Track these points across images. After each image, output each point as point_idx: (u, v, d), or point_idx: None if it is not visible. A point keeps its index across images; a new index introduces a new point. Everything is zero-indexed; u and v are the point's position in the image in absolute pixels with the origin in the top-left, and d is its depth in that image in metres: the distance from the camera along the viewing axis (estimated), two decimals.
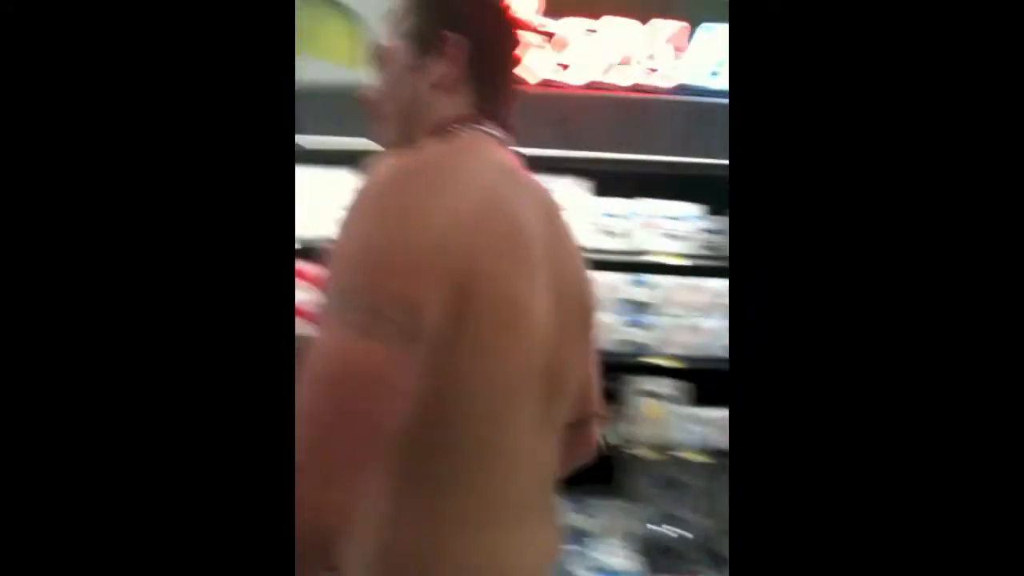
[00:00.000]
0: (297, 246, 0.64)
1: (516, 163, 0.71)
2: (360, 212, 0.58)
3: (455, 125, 0.70)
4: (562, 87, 2.24)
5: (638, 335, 2.17)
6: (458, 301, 0.56)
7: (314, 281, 1.55)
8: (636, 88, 2.26)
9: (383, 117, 0.75)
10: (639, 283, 2.20)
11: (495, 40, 0.72)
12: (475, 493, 0.61)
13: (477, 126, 0.70)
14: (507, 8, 0.74)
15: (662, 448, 2.16)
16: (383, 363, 0.53)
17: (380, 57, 0.76)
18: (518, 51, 0.74)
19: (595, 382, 0.84)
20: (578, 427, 0.81)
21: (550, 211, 0.72)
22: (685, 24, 2.24)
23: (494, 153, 0.69)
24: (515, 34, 0.74)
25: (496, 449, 0.62)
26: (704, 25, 2.24)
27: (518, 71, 0.75)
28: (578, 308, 0.72)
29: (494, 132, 0.71)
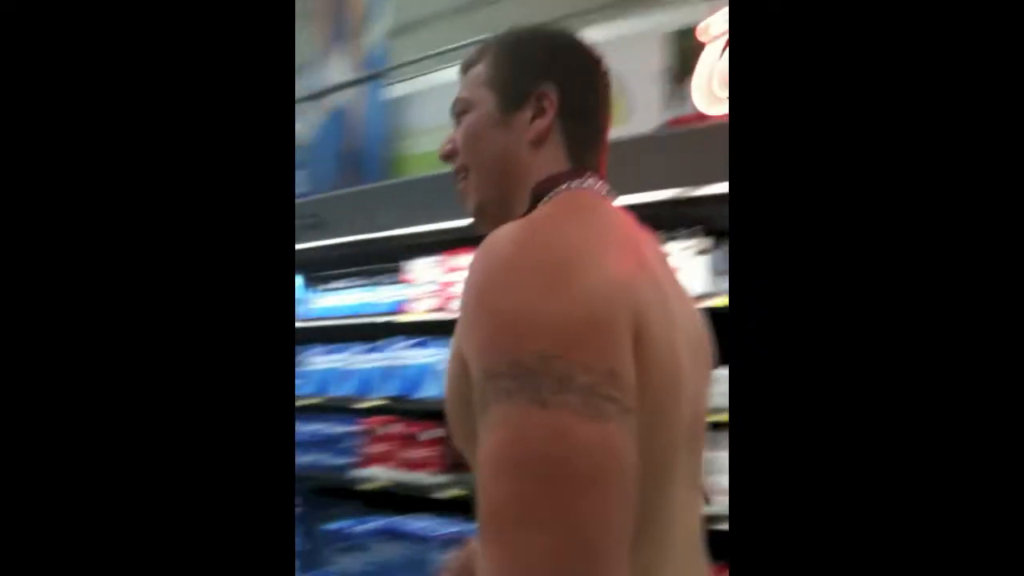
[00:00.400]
0: None
1: (625, 215, 0.67)
2: (523, 273, 0.52)
3: (559, 183, 0.67)
4: None
5: None
6: (637, 368, 0.51)
7: None
8: None
9: (465, 173, 0.72)
10: None
11: (585, 91, 0.71)
12: (643, 565, 0.55)
13: (580, 182, 0.67)
14: (595, 58, 0.73)
15: None
16: (611, 444, 0.47)
17: (461, 110, 0.73)
18: (607, 100, 0.73)
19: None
20: None
21: (665, 261, 0.69)
22: None
23: (606, 208, 0.65)
24: (603, 83, 0.73)
25: (660, 518, 0.57)
26: None
27: (608, 120, 0.73)
28: (704, 358, 0.69)
29: (596, 187, 0.68)
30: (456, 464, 2.39)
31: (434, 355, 2.50)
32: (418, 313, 2.54)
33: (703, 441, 0.68)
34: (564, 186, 0.66)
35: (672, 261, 0.74)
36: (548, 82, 0.69)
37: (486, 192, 0.71)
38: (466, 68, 0.75)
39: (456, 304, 0.91)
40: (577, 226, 0.57)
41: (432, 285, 2.54)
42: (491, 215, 0.71)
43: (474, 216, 0.73)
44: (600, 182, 0.69)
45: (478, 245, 0.57)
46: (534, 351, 0.48)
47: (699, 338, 0.69)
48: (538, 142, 0.68)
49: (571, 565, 0.45)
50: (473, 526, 0.50)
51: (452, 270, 2.50)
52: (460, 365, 0.55)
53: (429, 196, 2.40)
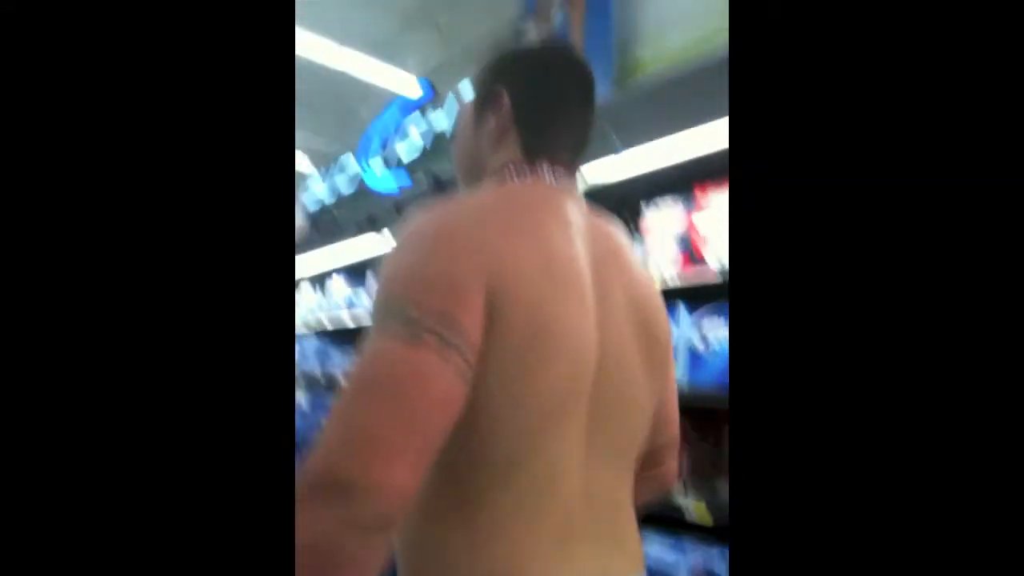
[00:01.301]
0: None
1: (565, 201, 0.76)
2: (408, 241, 0.65)
3: (505, 170, 0.77)
4: None
5: None
6: (488, 321, 0.60)
7: None
8: None
9: (456, 164, 0.86)
10: None
11: (539, 90, 0.79)
12: (505, 507, 0.63)
13: (527, 169, 0.76)
14: (561, 60, 0.80)
15: None
16: (426, 369, 0.56)
17: (459, 113, 0.87)
18: (576, 95, 0.80)
19: (671, 413, 0.86)
20: (652, 456, 0.84)
21: (609, 245, 0.76)
22: None
23: (538, 192, 0.74)
24: (568, 81, 0.80)
25: (530, 467, 0.64)
26: None
27: (583, 114, 0.80)
28: (646, 340, 0.75)
29: (545, 174, 0.77)
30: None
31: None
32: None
33: (631, 425, 0.74)
34: (507, 173, 0.77)
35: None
36: (501, 84, 0.79)
37: (465, 182, 0.85)
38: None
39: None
40: (468, 210, 0.67)
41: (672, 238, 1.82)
42: None
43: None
44: (553, 169, 0.77)
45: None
46: (388, 294, 0.61)
47: (646, 327, 0.75)
48: (497, 138, 0.79)
49: (339, 458, 0.53)
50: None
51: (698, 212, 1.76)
52: None
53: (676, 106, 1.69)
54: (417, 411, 0.55)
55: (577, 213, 0.76)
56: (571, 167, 0.80)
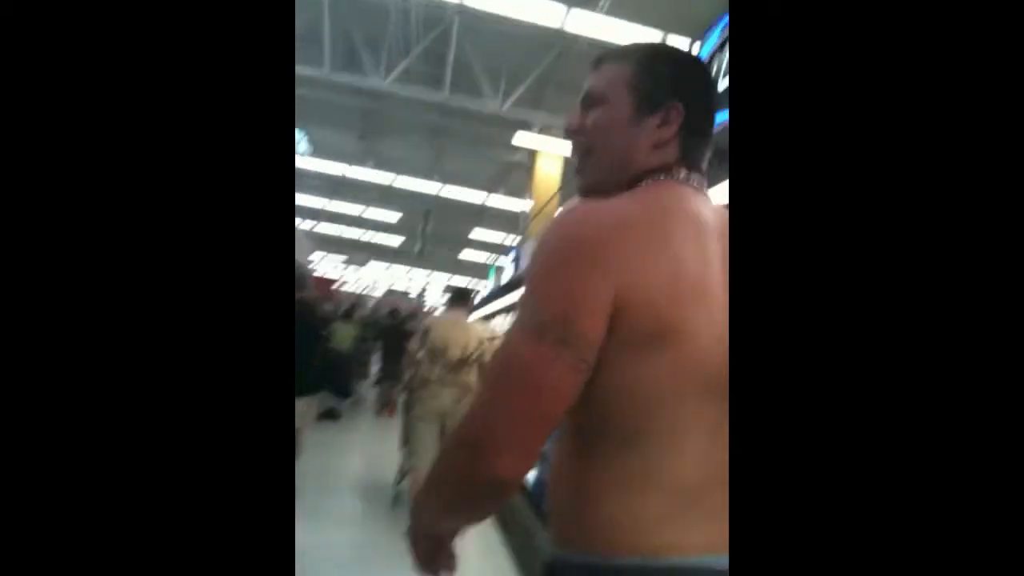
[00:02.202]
0: None
1: (704, 205, 0.82)
2: (552, 243, 0.73)
3: (654, 175, 0.82)
4: None
5: None
6: (613, 323, 0.70)
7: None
8: None
9: (586, 154, 0.87)
10: None
11: (702, 110, 0.84)
12: (631, 467, 0.74)
13: (673, 176, 0.82)
14: (714, 81, 0.87)
15: None
16: (543, 363, 0.68)
17: (595, 101, 0.87)
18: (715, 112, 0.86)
19: None
20: None
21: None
22: None
23: (680, 199, 0.80)
24: (714, 101, 0.86)
25: (650, 438, 0.74)
26: None
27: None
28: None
29: (689, 180, 0.83)
30: None
31: None
32: None
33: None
34: (653, 178, 0.82)
35: None
36: (676, 98, 0.82)
37: (603, 176, 0.86)
38: (599, 63, 0.88)
39: None
40: (609, 218, 0.74)
41: None
42: (596, 195, 0.83)
43: (582, 193, 0.89)
44: (695, 175, 0.83)
45: None
46: (527, 293, 0.72)
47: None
48: (659, 146, 0.83)
49: (484, 430, 0.69)
50: None
51: None
52: None
53: None
54: (530, 395, 0.69)
55: (712, 214, 0.81)
56: (704, 171, 0.86)
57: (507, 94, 8.53)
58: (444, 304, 5.34)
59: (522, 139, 9.70)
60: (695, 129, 0.83)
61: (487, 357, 4.02)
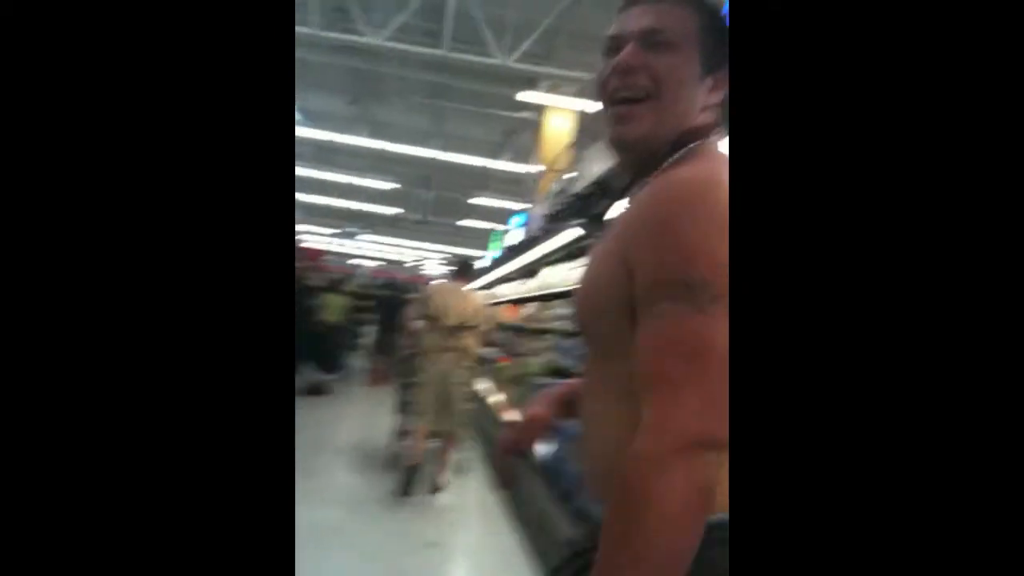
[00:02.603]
0: None
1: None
2: (678, 216, 0.72)
3: (701, 137, 0.83)
4: None
5: None
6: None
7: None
8: None
9: (644, 99, 0.82)
10: None
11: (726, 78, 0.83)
12: None
13: (714, 139, 0.84)
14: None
15: None
16: (721, 329, 0.66)
17: (662, 43, 0.82)
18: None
19: None
20: None
21: None
22: None
23: (725, 164, 0.77)
24: None
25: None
26: None
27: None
28: None
29: (715, 139, 0.84)
30: None
31: None
32: None
33: None
34: (702, 139, 0.82)
35: None
36: (724, 65, 0.81)
37: (662, 130, 0.83)
38: (686, 14, 0.83)
39: None
40: (720, 180, 0.72)
41: None
42: (643, 152, 0.84)
43: (631, 146, 0.86)
44: (719, 134, 0.85)
45: None
46: (697, 274, 0.70)
47: None
48: (705, 110, 0.83)
49: (705, 419, 0.66)
50: None
51: None
52: (625, 271, 0.76)
53: None
54: (715, 367, 0.66)
55: None
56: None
57: (513, 49, 7.93)
58: (447, 274, 5.55)
59: (529, 96, 9.12)
60: (723, 98, 0.85)
61: (484, 325, 4.32)
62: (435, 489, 3.97)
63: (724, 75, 0.82)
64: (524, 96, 8.99)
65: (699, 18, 0.82)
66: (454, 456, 4.24)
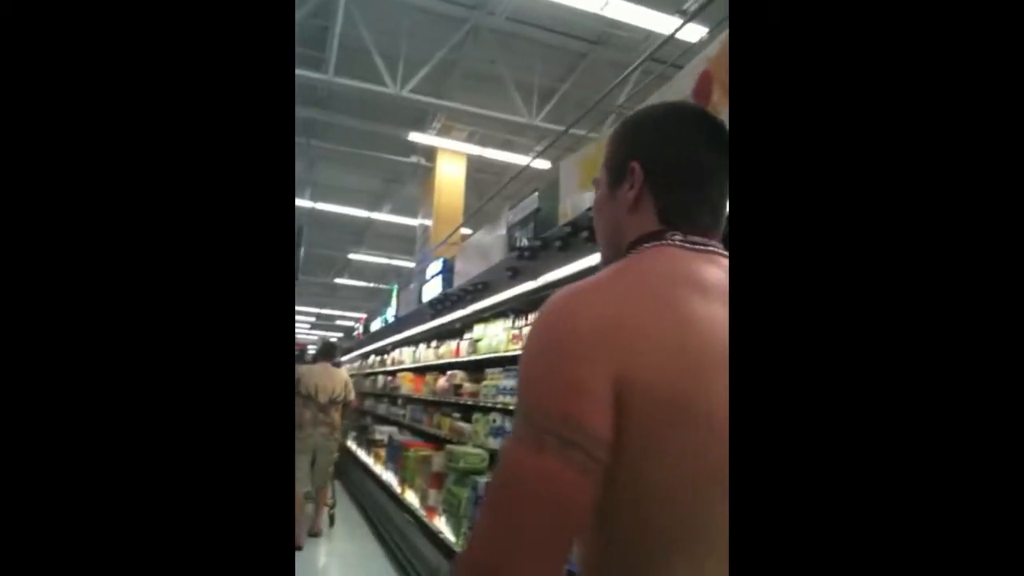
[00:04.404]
0: None
1: (703, 266, 0.73)
2: (539, 337, 0.67)
3: (644, 242, 0.77)
4: None
5: None
6: (620, 411, 0.63)
7: None
8: None
9: (598, 237, 0.87)
10: None
11: (669, 154, 0.79)
12: (682, 572, 0.65)
13: (664, 239, 0.76)
14: (687, 118, 0.82)
15: None
16: (547, 471, 0.61)
17: (594, 184, 0.88)
18: (710, 153, 0.79)
19: None
20: None
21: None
22: None
23: (673, 262, 0.73)
24: (699, 140, 0.79)
25: (695, 538, 0.65)
26: None
27: (720, 171, 0.79)
28: None
29: (683, 242, 0.76)
30: None
31: None
32: None
33: None
34: (644, 245, 0.77)
35: None
36: (634, 157, 0.80)
37: (606, 252, 0.86)
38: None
39: None
40: (597, 298, 0.67)
41: None
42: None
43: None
44: (692, 236, 0.76)
45: None
46: (520, 396, 0.67)
47: None
48: (632, 209, 0.80)
49: (497, 554, 0.61)
50: None
51: None
52: None
53: None
54: (542, 512, 0.61)
55: (720, 274, 0.73)
56: (713, 228, 0.79)
57: (406, 79, 7.05)
58: (312, 356, 6.07)
59: (419, 137, 8.23)
60: (672, 182, 0.78)
61: (351, 397, 5.11)
62: (313, 533, 5.04)
63: (632, 168, 0.80)
64: (415, 137, 8.09)
65: (605, 147, 0.86)
66: (325, 509, 5.30)
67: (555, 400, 0.62)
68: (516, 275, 2.81)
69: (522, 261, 2.77)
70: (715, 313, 0.67)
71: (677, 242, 0.75)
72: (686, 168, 0.77)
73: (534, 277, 2.74)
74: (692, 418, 0.62)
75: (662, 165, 0.78)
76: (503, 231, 3.37)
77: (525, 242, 2.89)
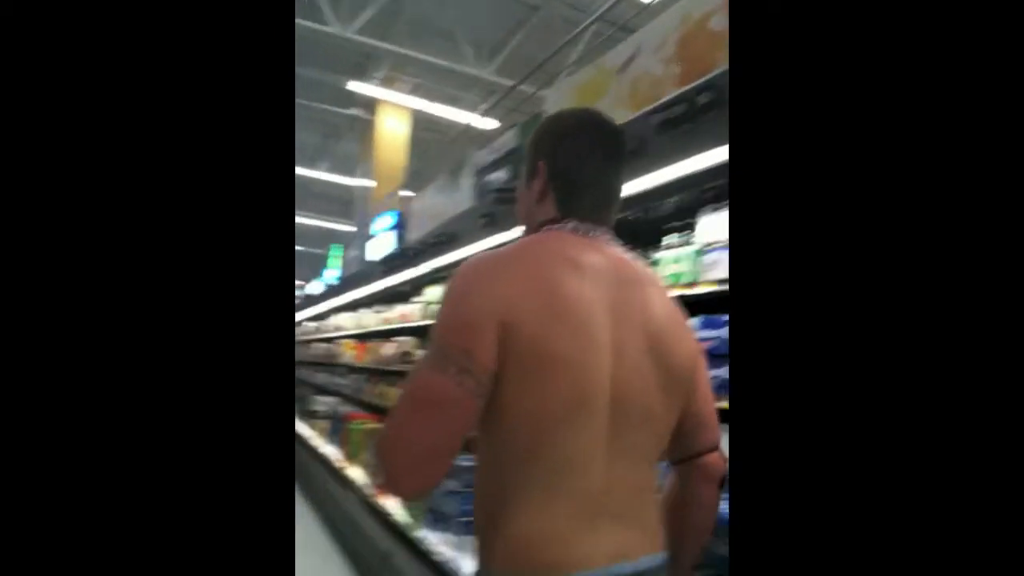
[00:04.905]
0: None
1: (586, 249, 0.89)
2: (451, 287, 0.85)
3: (544, 226, 0.94)
4: None
5: None
6: (502, 349, 0.80)
7: None
8: None
9: (518, 218, 1.03)
10: None
11: (568, 158, 0.94)
12: (530, 484, 0.83)
13: (557, 225, 0.93)
14: (586, 126, 0.96)
15: None
16: (446, 390, 0.78)
17: (518, 177, 1.05)
18: (603, 157, 0.95)
19: (706, 419, 0.97)
20: (691, 461, 0.98)
21: (631, 283, 0.90)
22: None
23: (559, 243, 0.89)
24: (593, 146, 0.95)
25: (546, 457, 0.82)
26: None
27: (611, 171, 0.96)
28: (664, 363, 0.89)
29: (580, 230, 0.92)
30: None
31: None
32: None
33: (646, 430, 0.88)
34: (544, 229, 0.94)
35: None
36: (541, 156, 0.96)
37: (525, 231, 1.01)
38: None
39: None
40: (494, 263, 0.86)
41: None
42: None
43: None
44: (585, 225, 0.93)
45: None
46: (433, 329, 0.83)
47: (662, 351, 0.89)
48: (539, 199, 0.96)
49: (401, 433, 0.79)
50: None
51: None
52: None
53: None
54: (437, 420, 0.79)
55: (599, 257, 0.89)
56: (601, 218, 0.94)
57: (348, 20, 6.44)
58: None
59: (360, 87, 7.63)
60: (568, 180, 0.93)
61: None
62: None
63: (538, 166, 0.96)
64: (354, 86, 7.50)
65: (531, 140, 1.00)
66: None
67: (458, 336, 0.79)
68: (493, 222, 2.44)
69: (501, 205, 2.39)
70: (583, 286, 0.84)
71: (569, 229, 0.92)
72: (580, 169, 0.93)
73: (511, 227, 2.37)
74: (552, 360, 0.80)
75: (561, 166, 0.94)
76: (468, 177, 2.97)
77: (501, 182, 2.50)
